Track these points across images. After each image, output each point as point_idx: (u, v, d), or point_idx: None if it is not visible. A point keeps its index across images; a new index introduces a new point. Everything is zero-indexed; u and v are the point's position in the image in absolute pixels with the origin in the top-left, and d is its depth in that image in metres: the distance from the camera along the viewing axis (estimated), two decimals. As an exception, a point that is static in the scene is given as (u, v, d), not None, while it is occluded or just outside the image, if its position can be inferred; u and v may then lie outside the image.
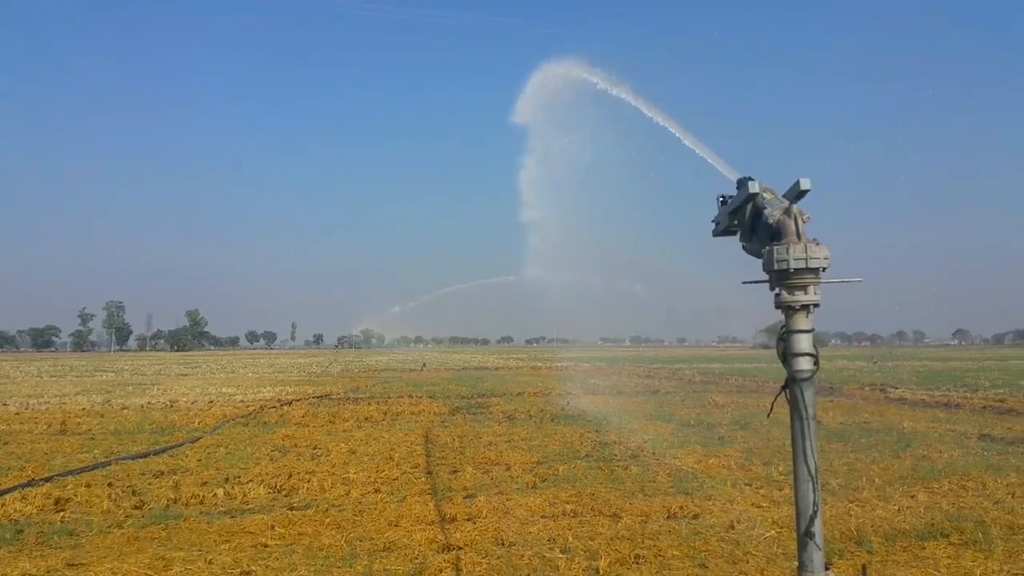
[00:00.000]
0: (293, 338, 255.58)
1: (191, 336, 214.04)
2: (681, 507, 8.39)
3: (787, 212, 2.54)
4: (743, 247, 2.81)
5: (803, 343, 2.56)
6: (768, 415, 3.03)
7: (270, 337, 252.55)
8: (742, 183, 2.85)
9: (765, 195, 2.68)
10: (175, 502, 9.17)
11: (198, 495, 9.44)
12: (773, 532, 7.34)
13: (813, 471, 2.52)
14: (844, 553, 6.64)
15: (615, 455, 12.26)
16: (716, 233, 3.09)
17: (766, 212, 2.61)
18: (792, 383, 2.57)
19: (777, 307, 2.61)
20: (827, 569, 2.43)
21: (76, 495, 9.49)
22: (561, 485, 9.82)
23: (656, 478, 10.25)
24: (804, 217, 2.54)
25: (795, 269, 2.51)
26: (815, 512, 2.48)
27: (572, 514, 8.22)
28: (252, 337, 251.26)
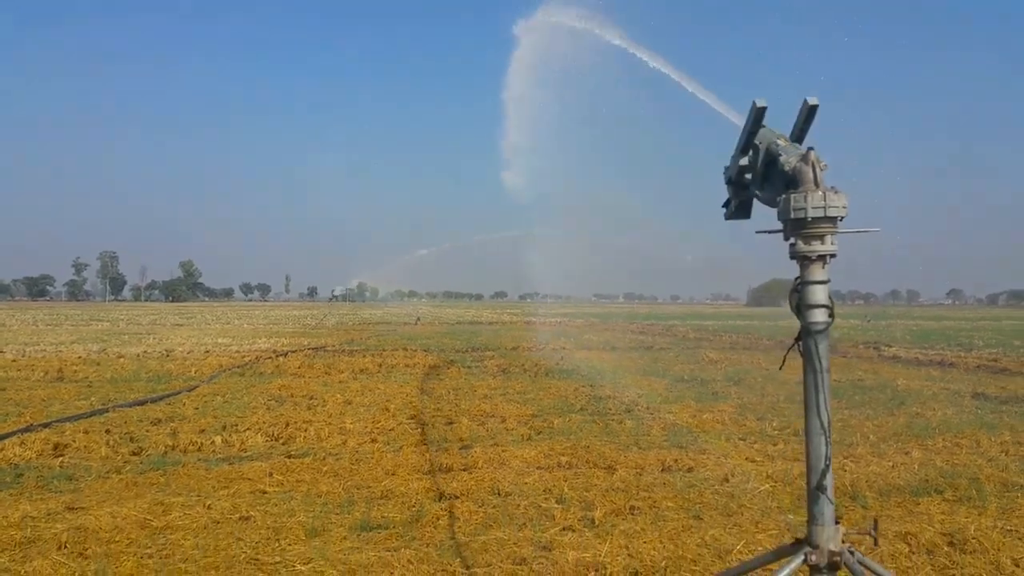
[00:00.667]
0: (287, 291, 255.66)
1: (185, 287, 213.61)
2: (675, 460, 8.44)
3: (804, 159, 2.45)
4: (756, 196, 2.72)
5: (819, 294, 2.50)
6: (780, 367, 2.98)
7: (264, 289, 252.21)
8: (752, 135, 2.75)
9: (779, 141, 2.59)
10: (173, 449, 9.20)
11: (196, 442, 9.47)
12: (767, 486, 7.40)
13: (826, 425, 2.49)
14: (839, 508, 6.65)
15: (609, 409, 12.33)
16: (728, 216, 2.95)
17: (782, 159, 2.52)
18: (806, 335, 2.52)
19: (792, 257, 2.54)
20: (837, 523, 2.41)
21: (74, 441, 9.52)
22: (556, 437, 9.87)
23: (650, 432, 10.31)
24: (821, 164, 2.46)
25: (812, 218, 2.43)
26: (827, 466, 2.45)
27: (567, 466, 8.27)
28: (246, 289, 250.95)
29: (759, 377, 17.22)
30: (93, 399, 13.37)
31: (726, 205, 2.91)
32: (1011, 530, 5.94)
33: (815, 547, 2.33)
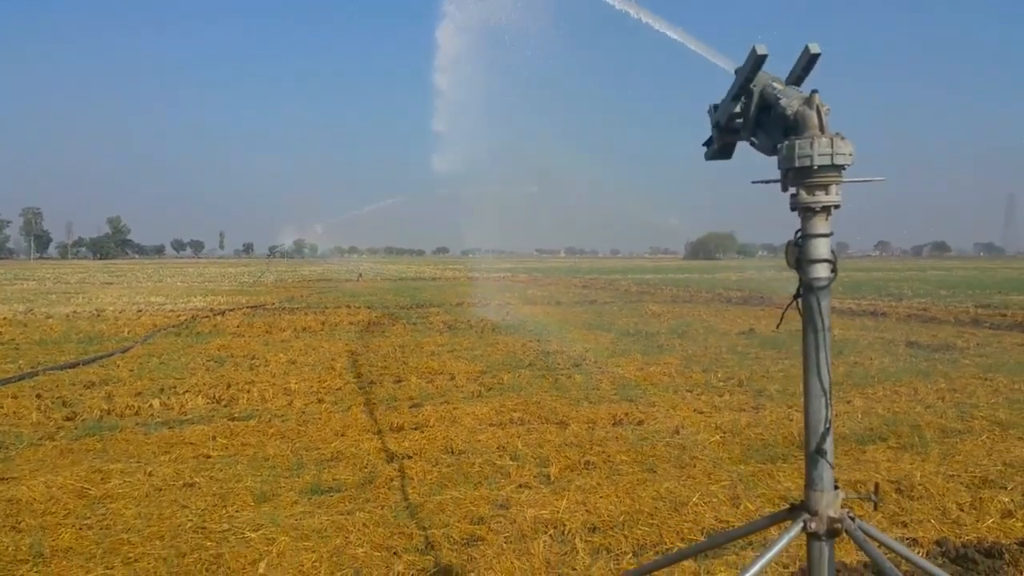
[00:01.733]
0: (222, 247, 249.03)
1: (114, 244, 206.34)
2: (626, 414, 8.47)
3: (808, 102, 2.30)
4: (751, 143, 2.57)
5: (821, 248, 2.35)
6: (778, 326, 2.89)
7: (197, 246, 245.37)
8: (747, 81, 2.59)
9: (776, 84, 2.44)
10: (109, 413, 8.83)
11: (133, 406, 9.12)
12: (717, 437, 7.47)
13: (826, 386, 2.37)
14: (788, 458, 6.80)
15: (558, 364, 12.33)
16: (709, 156, 2.82)
17: (782, 102, 2.35)
18: (807, 292, 2.38)
19: (793, 209, 2.38)
20: (836, 488, 2.33)
21: (3, 406, 9.09)
22: (507, 394, 9.81)
23: (600, 386, 10.33)
24: (825, 108, 2.31)
25: (819, 166, 2.27)
26: (827, 429, 2.34)
27: (520, 422, 8.22)
28: (178, 246, 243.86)
29: (701, 329, 17.47)
30: (21, 362, 12.79)
31: (707, 144, 2.77)
32: (953, 475, 6.11)
33: (814, 514, 2.25)
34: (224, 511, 5.48)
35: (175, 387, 10.34)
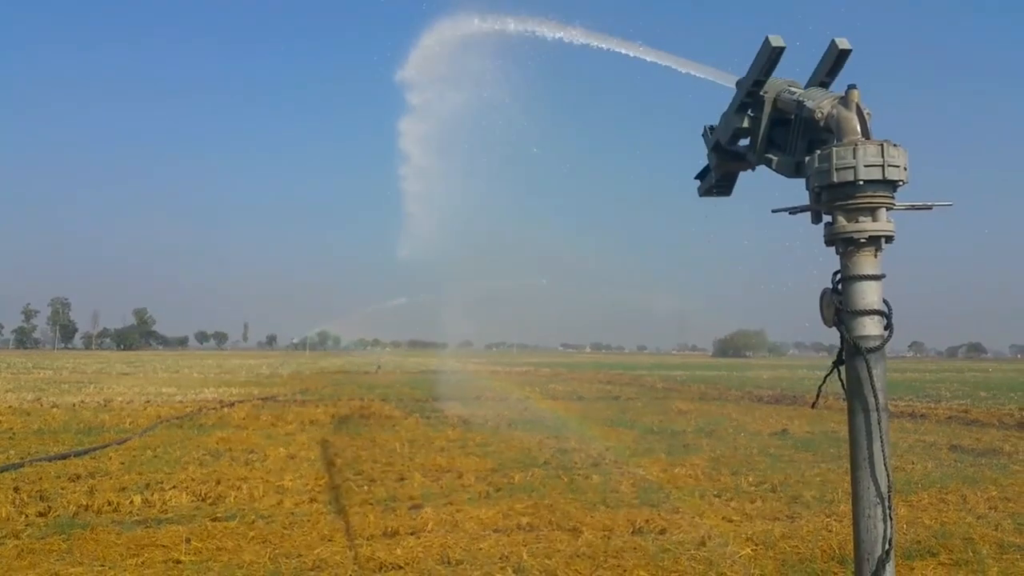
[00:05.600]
0: (245, 339, 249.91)
1: (139, 335, 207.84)
2: (647, 521, 7.67)
3: (845, 102, 1.68)
4: (765, 162, 1.93)
5: (869, 295, 1.65)
6: (813, 404, 2.20)
7: (221, 338, 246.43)
8: (757, 84, 2.01)
9: (793, 88, 1.85)
10: (86, 509, 8.20)
11: (113, 502, 8.48)
12: (748, 550, 6.66)
13: (884, 489, 1.62)
14: (827, 574, 5.98)
15: (575, 463, 11.53)
16: (703, 190, 2.26)
17: (808, 104, 1.74)
18: (854, 356, 1.64)
19: (829, 243, 1.73)
20: None
21: (-25, 499, 8.47)
22: (516, 495, 9.04)
23: (619, 488, 9.53)
24: (867, 111, 1.70)
25: (865, 181, 1.62)
26: (887, 551, 1.57)
27: (528, 528, 7.44)
28: (202, 337, 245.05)
29: (730, 428, 16.60)
30: (11, 452, 12.24)
31: (701, 177, 2.18)
32: (1024, 601, 5.26)
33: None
34: (179, 630, 4.77)
35: (162, 482, 9.68)
